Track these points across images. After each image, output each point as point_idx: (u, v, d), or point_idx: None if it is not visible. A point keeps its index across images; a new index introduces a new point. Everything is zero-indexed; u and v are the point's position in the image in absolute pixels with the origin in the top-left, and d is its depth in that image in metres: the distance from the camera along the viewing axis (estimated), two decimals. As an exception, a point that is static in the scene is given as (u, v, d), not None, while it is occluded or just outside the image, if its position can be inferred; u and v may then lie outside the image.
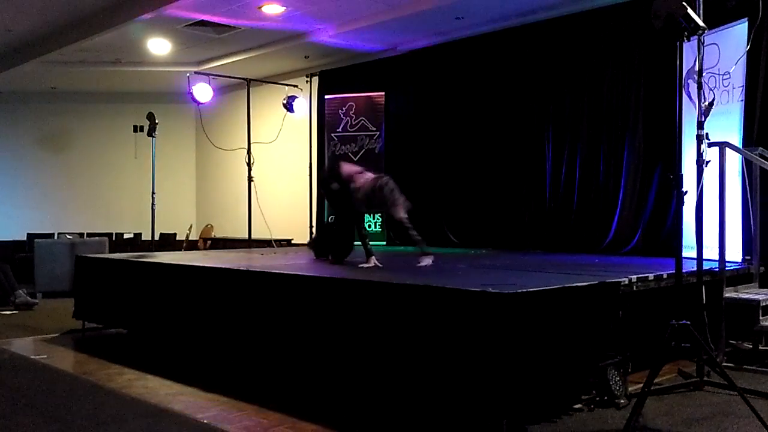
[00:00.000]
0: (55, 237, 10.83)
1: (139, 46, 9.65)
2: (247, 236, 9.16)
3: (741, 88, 5.38)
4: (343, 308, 4.10)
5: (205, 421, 3.65)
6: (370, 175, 5.64)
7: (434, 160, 8.98)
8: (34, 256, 8.93)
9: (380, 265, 5.32)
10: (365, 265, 5.29)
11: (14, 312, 7.67)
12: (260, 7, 8.02)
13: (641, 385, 3.48)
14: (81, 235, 11.08)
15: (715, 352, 4.34)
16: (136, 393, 4.25)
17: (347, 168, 5.84)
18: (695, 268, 4.04)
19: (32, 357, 5.37)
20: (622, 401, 3.69)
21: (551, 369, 3.49)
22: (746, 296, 4.77)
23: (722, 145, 4.83)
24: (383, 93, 9.51)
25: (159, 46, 9.64)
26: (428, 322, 3.58)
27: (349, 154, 9.57)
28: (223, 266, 5.34)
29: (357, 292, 4.08)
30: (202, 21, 8.55)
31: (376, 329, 3.86)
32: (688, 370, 4.21)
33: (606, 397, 3.70)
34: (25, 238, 11.32)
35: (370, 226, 9.51)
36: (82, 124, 12.84)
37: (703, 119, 4.00)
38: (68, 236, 9.93)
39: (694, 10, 3.89)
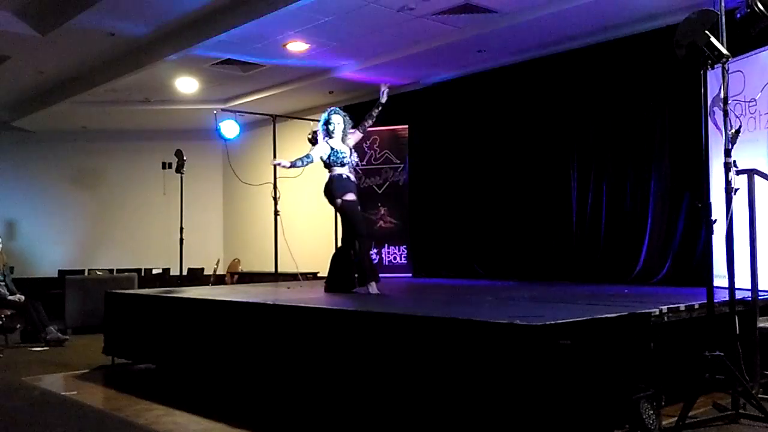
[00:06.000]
0: (86, 273, 10.96)
1: (168, 85, 9.85)
2: (273, 270, 9.20)
3: (767, 115, 5.33)
4: (372, 342, 4.09)
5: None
6: None
7: (459, 192, 8.99)
8: (65, 293, 9.02)
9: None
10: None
11: (45, 348, 7.74)
12: (285, 45, 8.16)
13: (675, 418, 3.42)
14: (111, 271, 11.20)
15: (750, 383, 4.24)
16: (164, 429, 4.25)
17: None
18: (727, 298, 3.98)
19: (62, 393, 5.41)
20: (655, 435, 3.61)
21: (581, 402, 3.43)
22: (781, 326, 4.65)
23: (750, 173, 4.77)
24: (407, 126, 9.57)
25: (187, 84, 9.83)
26: (454, 355, 3.55)
27: (374, 186, 9.61)
28: (250, 300, 5.37)
29: (384, 325, 4.07)
30: (229, 59, 8.72)
31: (404, 363, 3.84)
32: (722, 402, 4.12)
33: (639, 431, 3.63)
34: (56, 275, 11.49)
35: (395, 258, 9.49)
36: (112, 162, 13.07)
37: (730, 147, 3.97)
38: (98, 272, 10.04)
39: (717, 38, 3.88)
